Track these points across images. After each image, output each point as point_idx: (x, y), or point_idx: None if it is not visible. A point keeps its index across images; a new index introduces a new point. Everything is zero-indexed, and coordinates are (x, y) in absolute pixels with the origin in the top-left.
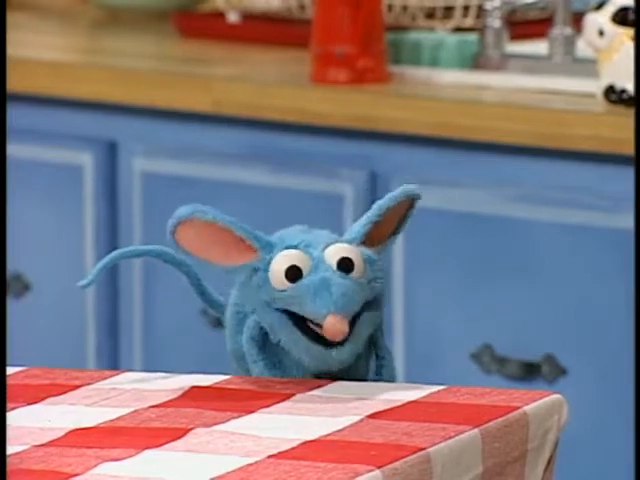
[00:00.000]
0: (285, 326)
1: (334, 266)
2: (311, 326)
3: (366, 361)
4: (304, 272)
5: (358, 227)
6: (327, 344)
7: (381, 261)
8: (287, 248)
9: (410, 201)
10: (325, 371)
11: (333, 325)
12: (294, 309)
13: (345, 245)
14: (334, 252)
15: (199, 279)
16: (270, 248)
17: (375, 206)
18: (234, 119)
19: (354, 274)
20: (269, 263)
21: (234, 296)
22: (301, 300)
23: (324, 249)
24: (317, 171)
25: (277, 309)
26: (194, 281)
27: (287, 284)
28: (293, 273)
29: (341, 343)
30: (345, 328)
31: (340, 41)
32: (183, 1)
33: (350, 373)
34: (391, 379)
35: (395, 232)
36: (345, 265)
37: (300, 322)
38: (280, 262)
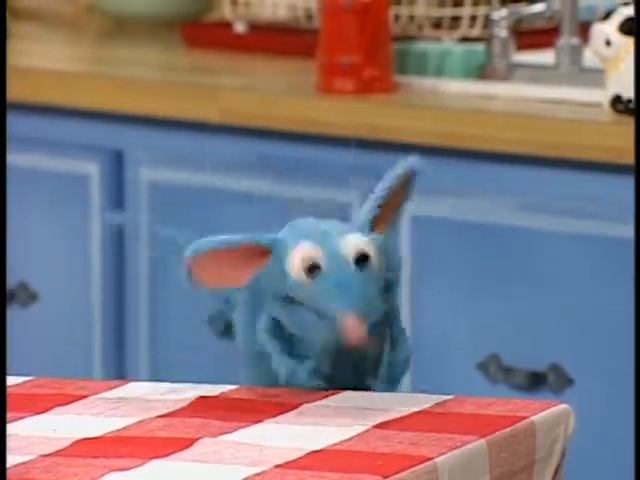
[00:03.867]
0: (304, 318)
1: (351, 261)
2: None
3: (381, 341)
4: (322, 267)
5: (366, 212)
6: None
7: (392, 242)
8: (302, 239)
9: (408, 175)
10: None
11: (352, 330)
12: (313, 305)
13: (360, 238)
14: (350, 246)
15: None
16: (280, 243)
17: (379, 189)
18: (241, 129)
19: (371, 268)
20: (283, 258)
21: (244, 297)
22: (320, 298)
23: (338, 240)
24: (324, 180)
25: (294, 302)
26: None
27: (308, 281)
28: (312, 269)
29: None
30: (364, 332)
31: (347, 51)
32: (190, 11)
33: (365, 354)
34: (403, 363)
35: (400, 209)
36: (362, 260)
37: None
38: (298, 258)
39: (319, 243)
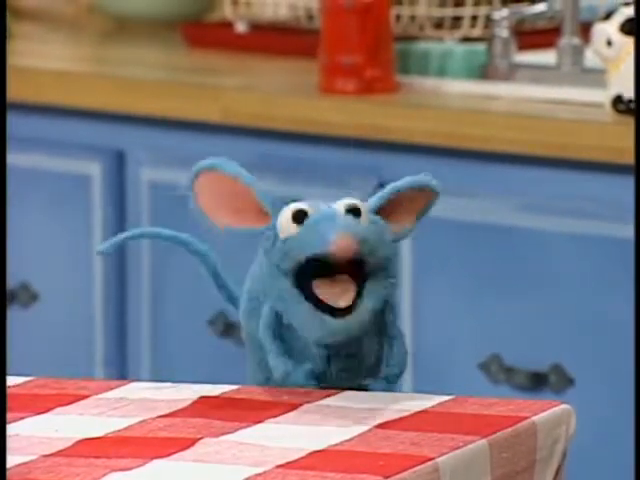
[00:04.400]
0: (292, 295)
1: (342, 210)
2: (317, 294)
3: (375, 340)
4: (309, 213)
5: (370, 201)
6: (332, 312)
7: (391, 239)
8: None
9: (427, 194)
10: (330, 343)
11: (341, 239)
12: (302, 253)
13: (354, 199)
14: (342, 203)
15: (217, 270)
16: (277, 207)
17: (387, 187)
18: (242, 129)
19: (362, 218)
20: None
21: (248, 284)
22: (306, 237)
23: (331, 205)
24: (325, 181)
25: (285, 275)
26: (212, 272)
27: (295, 228)
28: (300, 216)
29: (346, 311)
30: (354, 245)
31: (348, 51)
32: (191, 11)
33: (359, 354)
34: (401, 360)
35: (411, 223)
36: (352, 211)
37: (308, 292)
38: (287, 210)
39: (311, 204)
